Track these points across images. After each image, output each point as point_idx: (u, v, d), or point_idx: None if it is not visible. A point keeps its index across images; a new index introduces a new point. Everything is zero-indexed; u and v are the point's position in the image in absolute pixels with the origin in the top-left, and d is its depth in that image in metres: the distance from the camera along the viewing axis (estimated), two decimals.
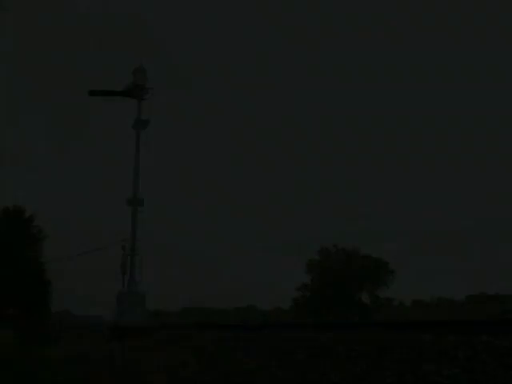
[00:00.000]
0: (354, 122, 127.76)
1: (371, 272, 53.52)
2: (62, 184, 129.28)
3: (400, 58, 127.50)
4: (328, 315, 53.64)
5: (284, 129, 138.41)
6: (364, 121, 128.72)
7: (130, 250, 14.66)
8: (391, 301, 61.06)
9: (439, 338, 3.96)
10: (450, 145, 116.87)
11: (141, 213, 15.04)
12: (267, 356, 5.09)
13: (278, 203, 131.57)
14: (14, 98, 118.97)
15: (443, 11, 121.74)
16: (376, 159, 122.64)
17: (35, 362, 6.79)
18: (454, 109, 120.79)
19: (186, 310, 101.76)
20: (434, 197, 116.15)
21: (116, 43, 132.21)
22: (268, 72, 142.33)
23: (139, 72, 16.29)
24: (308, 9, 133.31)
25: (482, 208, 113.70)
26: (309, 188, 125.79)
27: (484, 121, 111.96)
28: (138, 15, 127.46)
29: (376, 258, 54.97)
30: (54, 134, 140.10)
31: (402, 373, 3.44)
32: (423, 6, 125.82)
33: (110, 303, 14.34)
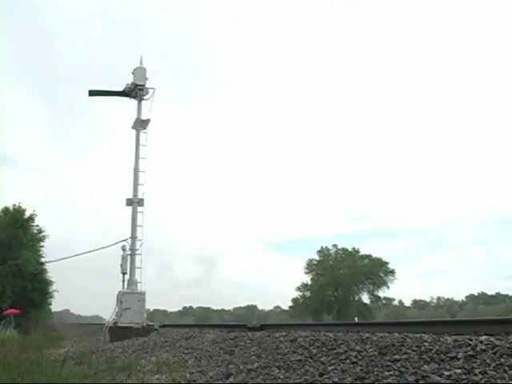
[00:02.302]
0: (354, 121, 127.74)
1: (371, 272, 53.62)
2: (61, 184, 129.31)
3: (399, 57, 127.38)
4: (328, 315, 53.69)
5: (284, 128, 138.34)
6: (364, 120, 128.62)
7: (130, 249, 14.64)
8: (391, 301, 61.20)
9: (439, 338, 3.96)
10: (451, 144, 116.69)
11: (141, 213, 15.01)
12: (267, 356, 5.09)
13: (278, 203, 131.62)
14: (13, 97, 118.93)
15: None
16: (376, 159, 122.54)
17: (34, 361, 6.79)
18: (455, 107, 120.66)
19: (186, 310, 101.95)
20: (434, 197, 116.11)
21: (116, 42, 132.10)
22: (268, 69, 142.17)
23: (139, 71, 16.26)
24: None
25: (482, 208, 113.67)
26: (308, 187, 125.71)
27: (486, 116, 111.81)
28: (139, 14, 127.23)
29: (376, 258, 55.08)
30: (53, 134, 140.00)
31: (402, 373, 3.44)
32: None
33: (109, 303, 14.32)
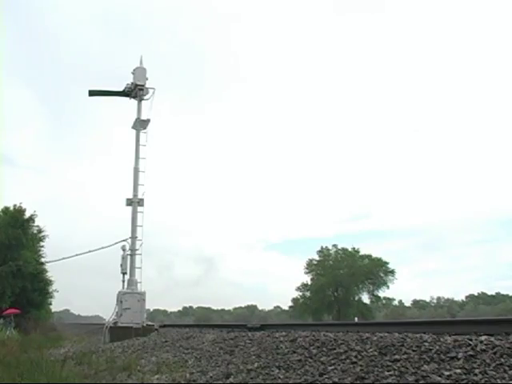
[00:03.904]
0: (354, 121, 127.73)
1: (371, 272, 53.58)
2: (61, 184, 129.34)
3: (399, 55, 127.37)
4: (328, 315, 53.68)
5: (284, 127, 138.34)
6: (364, 119, 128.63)
7: (130, 249, 14.64)
8: (391, 301, 61.17)
9: (439, 338, 3.96)
10: (451, 144, 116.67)
11: (141, 213, 15.01)
12: (267, 356, 5.09)
13: (278, 202, 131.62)
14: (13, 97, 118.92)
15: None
16: (376, 158, 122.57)
17: (34, 361, 6.78)
18: (455, 106, 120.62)
19: (186, 310, 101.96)
20: (434, 197, 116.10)
21: (116, 42, 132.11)
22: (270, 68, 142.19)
23: (139, 71, 16.25)
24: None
25: (482, 208, 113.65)
26: (309, 187, 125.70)
27: (485, 117, 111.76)
28: (138, 15, 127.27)
29: (376, 258, 55.06)
30: (53, 134, 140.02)
31: (402, 372, 3.44)
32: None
33: (109, 303, 14.33)
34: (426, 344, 3.85)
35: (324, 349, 4.67)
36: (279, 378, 4.16)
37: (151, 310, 69.42)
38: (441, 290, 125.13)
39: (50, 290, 29.97)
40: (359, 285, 54.10)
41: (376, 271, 53.40)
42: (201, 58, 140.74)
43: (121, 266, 14.50)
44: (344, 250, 56.59)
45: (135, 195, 15.09)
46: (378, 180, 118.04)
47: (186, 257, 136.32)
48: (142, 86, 15.97)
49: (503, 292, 75.48)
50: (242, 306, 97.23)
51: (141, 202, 15.05)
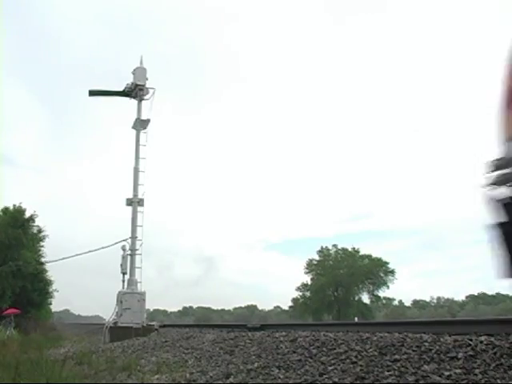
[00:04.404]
0: (354, 121, 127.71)
1: (371, 272, 53.64)
2: (61, 184, 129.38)
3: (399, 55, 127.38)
4: (328, 315, 53.71)
5: (285, 127, 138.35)
6: (364, 119, 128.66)
7: (130, 249, 14.64)
8: (391, 301, 61.23)
9: (439, 338, 3.96)
10: (451, 144, 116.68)
11: (141, 213, 15.02)
12: (267, 356, 5.09)
13: (278, 202, 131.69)
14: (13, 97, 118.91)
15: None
16: (376, 158, 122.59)
17: (34, 361, 6.78)
18: (455, 106, 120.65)
19: (186, 310, 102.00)
20: (434, 197, 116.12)
21: (116, 42, 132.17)
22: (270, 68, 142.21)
23: (139, 71, 16.26)
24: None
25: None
26: (309, 187, 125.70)
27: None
28: (139, 15, 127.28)
29: (376, 258, 55.12)
30: (54, 134, 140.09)
31: (402, 373, 3.44)
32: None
33: (109, 303, 14.33)
34: (426, 344, 3.85)
35: (324, 349, 4.67)
36: (279, 377, 4.16)
37: (151, 309, 69.44)
38: (441, 290, 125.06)
39: (50, 290, 30.03)
40: (359, 285, 54.16)
41: (376, 271, 53.46)
42: (201, 58, 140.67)
43: (121, 265, 14.50)
44: (344, 250, 56.67)
45: (135, 195, 15.09)
46: (378, 180, 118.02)
47: (186, 257, 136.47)
48: (142, 85, 15.98)
49: (503, 292, 75.57)
50: (242, 306, 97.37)
51: (141, 202, 15.06)
